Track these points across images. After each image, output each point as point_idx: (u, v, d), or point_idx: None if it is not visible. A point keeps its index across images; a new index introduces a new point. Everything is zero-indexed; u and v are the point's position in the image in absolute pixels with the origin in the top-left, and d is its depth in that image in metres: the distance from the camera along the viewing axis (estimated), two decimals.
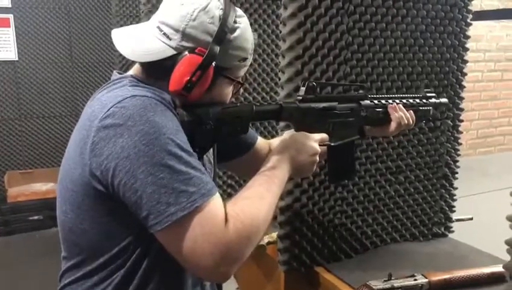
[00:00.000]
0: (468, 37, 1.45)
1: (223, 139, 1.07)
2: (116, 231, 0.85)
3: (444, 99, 1.31)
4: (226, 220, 0.79)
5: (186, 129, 0.86)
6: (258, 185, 0.91)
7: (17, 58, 3.52)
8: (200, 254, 0.77)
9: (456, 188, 1.55)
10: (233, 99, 1.02)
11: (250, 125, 1.02)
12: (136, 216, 0.79)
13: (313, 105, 1.07)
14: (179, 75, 0.86)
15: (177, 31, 0.87)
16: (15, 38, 3.50)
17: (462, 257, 1.39)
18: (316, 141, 1.03)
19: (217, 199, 0.80)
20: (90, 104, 0.88)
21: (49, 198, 3.28)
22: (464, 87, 1.49)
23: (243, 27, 0.92)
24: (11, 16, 3.47)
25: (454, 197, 1.55)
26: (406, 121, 1.18)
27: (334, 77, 1.26)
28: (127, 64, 2.67)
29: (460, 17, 1.42)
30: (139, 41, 0.90)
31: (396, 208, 1.46)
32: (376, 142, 1.38)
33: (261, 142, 1.22)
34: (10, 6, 3.45)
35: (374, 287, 1.12)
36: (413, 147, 1.45)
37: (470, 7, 1.43)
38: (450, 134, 1.49)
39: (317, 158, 1.03)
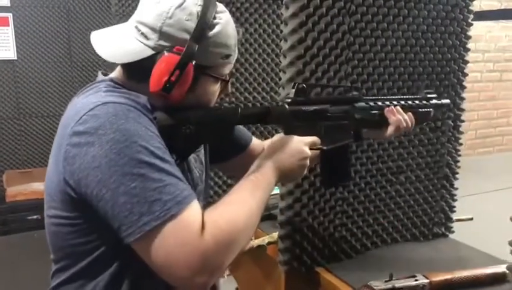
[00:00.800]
0: (469, 37, 1.45)
1: (207, 144, 1.05)
2: (96, 236, 0.84)
3: (446, 100, 1.28)
4: (203, 227, 0.76)
5: (165, 133, 0.84)
6: (241, 190, 0.88)
7: (16, 58, 3.50)
8: (175, 264, 0.75)
9: (457, 189, 1.55)
10: (227, 99, 1.01)
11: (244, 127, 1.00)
12: (110, 226, 0.77)
13: (303, 107, 1.03)
14: (158, 76, 0.84)
15: (154, 30, 0.85)
16: (14, 37, 3.48)
17: (463, 257, 1.39)
18: (306, 144, 0.99)
19: (193, 207, 0.77)
20: (67, 110, 0.87)
21: None
22: (465, 87, 1.48)
23: (224, 23, 0.89)
24: (10, 15, 3.45)
25: (455, 198, 1.55)
26: (405, 124, 1.13)
27: (336, 77, 1.26)
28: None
29: (462, 17, 1.42)
30: (117, 42, 0.88)
31: (397, 208, 1.46)
32: (377, 143, 1.38)
33: (255, 143, 1.21)
34: (9, 5, 3.43)
35: (375, 287, 1.12)
36: (414, 147, 1.45)
37: (471, 7, 1.43)
38: (451, 134, 1.49)
39: (307, 162, 0.99)
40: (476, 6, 1.46)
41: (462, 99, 1.48)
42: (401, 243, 1.48)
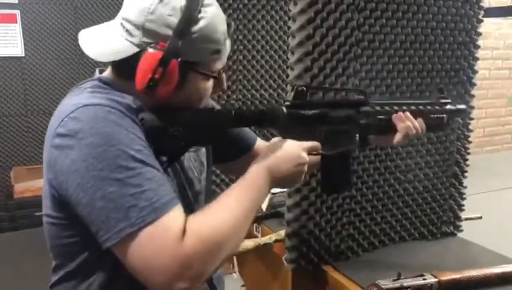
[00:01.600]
0: (479, 34, 1.43)
1: (200, 145, 1.01)
2: (82, 237, 0.83)
3: (462, 106, 1.20)
4: (184, 234, 0.74)
5: (152, 135, 0.82)
6: (228, 196, 0.85)
7: (23, 54, 3.52)
8: (152, 271, 0.73)
9: (466, 187, 1.54)
10: (224, 96, 0.97)
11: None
12: (88, 230, 0.77)
13: (302, 111, 0.98)
14: (142, 73, 0.81)
15: (137, 26, 0.82)
16: (22, 34, 3.50)
17: (472, 256, 1.38)
18: (304, 149, 0.94)
19: (173, 213, 0.76)
20: (55, 111, 0.86)
21: None
22: (475, 84, 1.47)
23: (210, 17, 0.84)
24: (17, 12, 3.46)
25: (464, 196, 1.54)
26: (414, 131, 1.08)
27: (344, 74, 1.25)
28: None
29: (472, 13, 1.40)
30: (103, 40, 0.86)
31: (405, 206, 1.45)
32: None
33: (260, 144, 1.18)
34: (17, 2, 3.44)
35: (383, 286, 1.11)
36: (422, 145, 1.43)
37: (481, 4, 1.41)
38: (460, 132, 1.48)
39: (305, 168, 0.94)
40: (485, 3, 1.44)
41: (472, 96, 1.46)
42: (409, 242, 1.47)
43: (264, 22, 1.95)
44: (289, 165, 0.92)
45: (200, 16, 0.83)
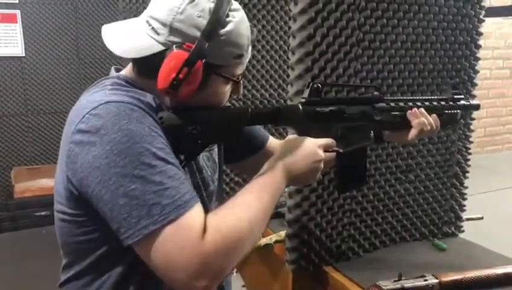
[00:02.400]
0: (480, 34, 1.43)
1: (220, 144, 1.01)
2: (99, 234, 0.83)
3: (475, 102, 1.20)
4: (205, 231, 0.74)
5: (171, 134, 0.82)
6: (247, 193, 0.85)
7: (24, 54, 3.52)
8: (174, 268, 0.74)
9: (467, 187, 1.53)
10: (234, 98, 0.97)
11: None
12: (109, 227, 0.76)
13: (318, 108, 0.99)
14: (165, 72, 0.81)
15: (164, 25, 0.82)
16: (22, 34, 3.50)
17: (473, 257, 1.37)
18: (320, 146, 0.94)
19: (194, 210, 0.76)
20: (74, 107, 0.86)
21: None
22: (476, 84, 1.47)
23: (237, 21, 0.86)
24: (18, 12, 3.47)
25: (465, 196, 1.53)
26: (429, 127, 1.08)
27: (345, 74, 1.24)
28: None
29: (473, 13, 1.40)
30: (128, 37, 0.86)
31: (406, 207, 1.44)
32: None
33: (272, 142, 1.18)
34: (17, 2, 3.45)
35: (383, 287, 1.11)
36: (423, 145, 1.43)
37: (483, 3, 1.41)
38: (461, 132, 1.47)
39: (321, 165, 0.94)
40: (485, 2, 1.43)
41: (473, 96, 1.46)
42: (411, 242, 1.46)
43: (265, 22, 1.94)
44: (306, 162, 0.92)
45: (228, 19, 0.84)
